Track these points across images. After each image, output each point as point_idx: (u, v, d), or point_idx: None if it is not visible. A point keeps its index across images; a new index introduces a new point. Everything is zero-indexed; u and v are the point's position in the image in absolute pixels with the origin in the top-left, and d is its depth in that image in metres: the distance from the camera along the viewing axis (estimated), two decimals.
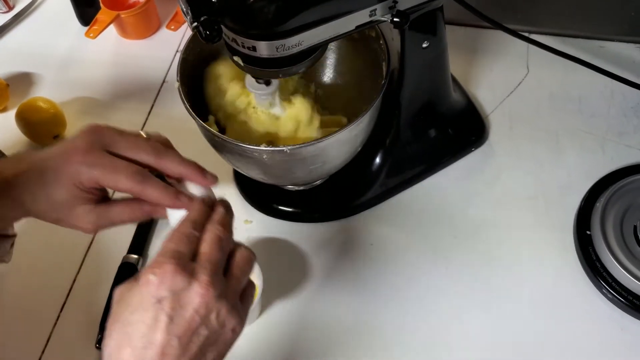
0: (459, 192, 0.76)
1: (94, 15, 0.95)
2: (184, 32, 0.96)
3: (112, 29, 0.94)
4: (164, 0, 0.99)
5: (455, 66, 0.75)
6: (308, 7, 0.50)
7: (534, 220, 0.73)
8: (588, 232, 0.69)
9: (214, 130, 0.59)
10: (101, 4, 0.91)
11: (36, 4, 1.03)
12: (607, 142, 0.79)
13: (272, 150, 0.57)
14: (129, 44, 0.96)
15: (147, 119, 0.86)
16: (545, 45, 0.73)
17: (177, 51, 0.94)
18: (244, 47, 0.52)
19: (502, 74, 0.86)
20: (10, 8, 1.02)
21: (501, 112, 0.82)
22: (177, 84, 0.62)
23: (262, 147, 0.57)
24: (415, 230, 0.73)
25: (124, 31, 0.95)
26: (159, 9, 0.97)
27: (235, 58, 0.55)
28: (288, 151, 0.56)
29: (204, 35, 0.49)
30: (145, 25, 0.95)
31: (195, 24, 0.50)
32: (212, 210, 0.48)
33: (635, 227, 0.67)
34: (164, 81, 0.90)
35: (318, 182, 0.74)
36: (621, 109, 0.82)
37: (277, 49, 0.52)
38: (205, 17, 0.50)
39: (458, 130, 0.78)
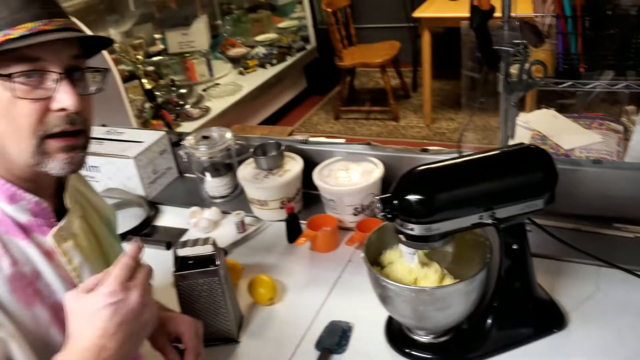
0: None
1: (296, 236, 1.48)
2: (354, 248, 1.43)
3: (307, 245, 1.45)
4: (342, 230, 1.50)
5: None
6: (443, 210, 0.95)
7: None
8: None
9: (382, 276, 1.00)
10: (306, 227, 1.44)
11: (261, 228, 1.58)
12: None
13: (418, 289, 0.96)
14: (317, 255, 1.45)
15: (330, 291, 1.29)
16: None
17: (348, 261, 1.40)
18: (407, 229, 0.97)
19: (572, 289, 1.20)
20: (245, 230, 1.58)
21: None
22: (362, 255, 1.06)
23: (411, 286, 0.97)
24: None
25: (315, 245, 1.45)
26: (340, 234, 1.48)
27: (400, 235, 0.99)
28: (429, 290, 0.96)
29: (387, 219, 0.95)
30: (330, 242, 1.44)
31: (383, 214, 0.96)
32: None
33: None
34: (339, 277, 1.35)
35: (443, 339, 1.09)
36: None
37: (426, 230, 0.96)
38: (387, 210, 0.96)
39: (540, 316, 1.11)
